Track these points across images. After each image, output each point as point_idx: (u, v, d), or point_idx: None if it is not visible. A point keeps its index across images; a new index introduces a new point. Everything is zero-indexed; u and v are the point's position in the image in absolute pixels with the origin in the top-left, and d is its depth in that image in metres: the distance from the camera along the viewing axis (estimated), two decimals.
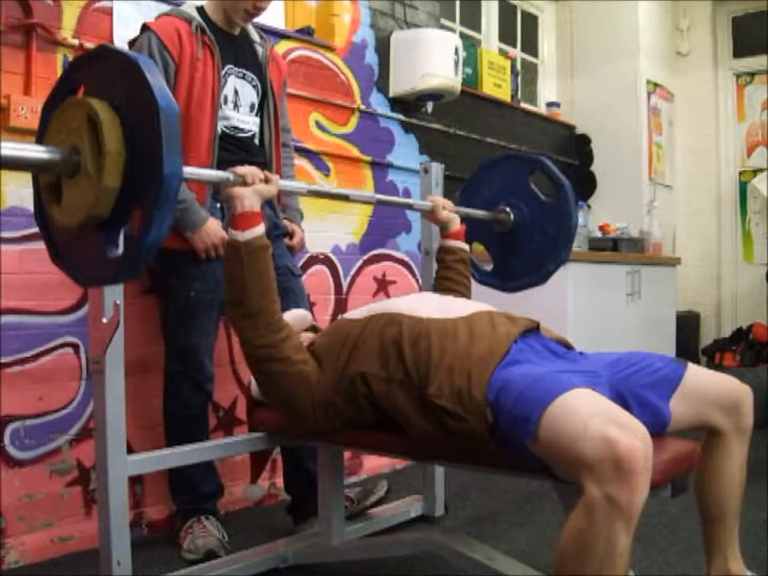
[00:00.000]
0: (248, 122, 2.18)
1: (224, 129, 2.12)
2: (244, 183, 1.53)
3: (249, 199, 1.52)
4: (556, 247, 2.12)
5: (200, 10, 2.13)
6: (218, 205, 2.12)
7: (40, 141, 1.23)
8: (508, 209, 2.19)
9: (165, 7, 2.38)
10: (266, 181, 1.57)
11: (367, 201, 2.17)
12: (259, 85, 2.21)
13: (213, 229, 2.06)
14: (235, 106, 2.15)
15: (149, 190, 1.09)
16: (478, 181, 2.29)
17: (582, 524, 1.16)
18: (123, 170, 1.11)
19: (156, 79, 1.11)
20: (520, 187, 2.19)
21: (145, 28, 2.05)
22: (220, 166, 2.08)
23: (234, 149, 2.13)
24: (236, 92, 2.15)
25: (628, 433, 1.14)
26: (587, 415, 1.19)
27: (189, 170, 1.45)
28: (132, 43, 2.09)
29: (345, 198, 1.95)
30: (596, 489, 1.13)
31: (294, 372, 1.55)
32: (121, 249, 1.16)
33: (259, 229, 1.52)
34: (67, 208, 1.17)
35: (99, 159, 1.11)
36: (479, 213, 2.19)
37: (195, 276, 2.10)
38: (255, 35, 2.26)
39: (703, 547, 1.62)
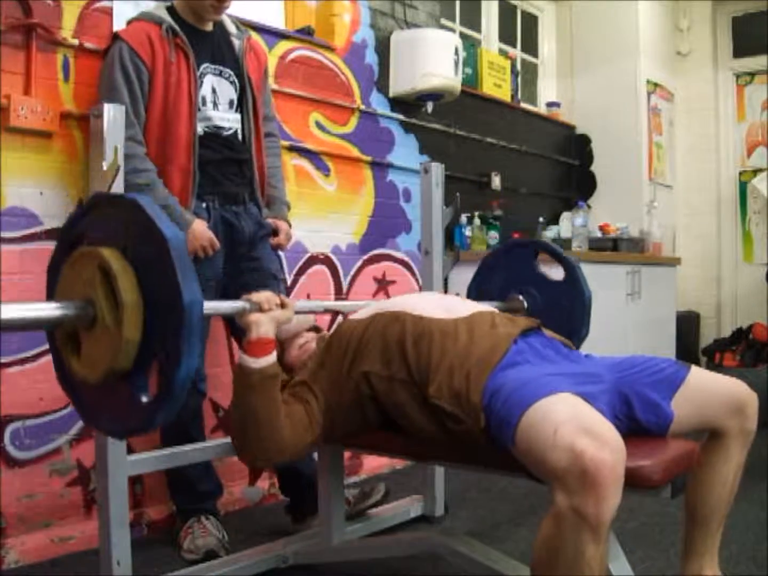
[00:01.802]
0: (229, 119, 2.17)
1: (206, 129, 2.11)
2: (260, 309, 1.49)
3: (265, 326, 1.48)
4: (574, 324, 2.07)
5: (171, 9, 2.10)
6: (203, 205, 2.11)
7: (51, 296, 1.22)
8: (520, 297, 2.17)
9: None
10: (282, 305, 1.53)
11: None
12: (237, 81, 2.19)
13: (200, 230, 2.04)
14: (215, 104, 2.13)
15: (172, 325, 1.06)
16: (485, 272, 2.27)
17: (552, 532, 1.16)
18: (143, 319, 1.09)
19: (156, 212, 1.10)
20: (529, 273, 2.18)
21: (116, 37, 2.03)
22: (204, 165, 2.09)
23: (218, 147, 2.12)
24: (214, 91, 2.13)
25: (596, 443, 1.13)
26: (558, 422, 1.18)
27: (207, 305, 1.33)
28: (105, 53, 2.08)
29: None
30: (564, 499, 1.13)
31: (300, 451, 1.54)
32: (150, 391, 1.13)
33: (272, 357, 1.48)
34: (88, 361, 1.15)
35: (116, 311, 1.09)
36: (492, 304, 2.16)
37: None
38: (232, 27, 2.23)
39: (681, 545, 1.61)
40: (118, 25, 2.28)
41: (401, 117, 3.38)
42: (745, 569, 1.98)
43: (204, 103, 2.10)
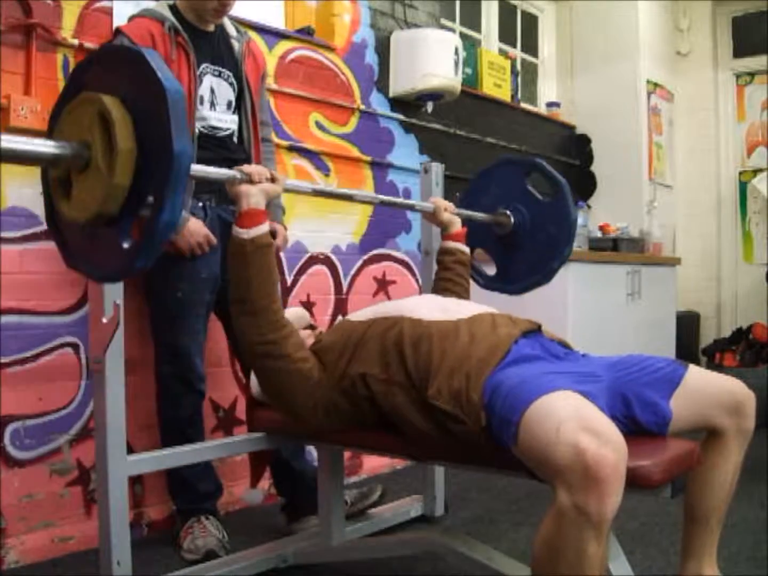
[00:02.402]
0: (226, 120, 2.17)
1: (202, 129, 2.11)
2: (250, 181, 1.53)
3: (255, 197, 1.53)
4: (558, 244, 2.14)
5: (173, 8, 2.11)
6: (200, 204, 2.11)
7: (50, 136, 1.23)
8: (507, 212, 2.20)
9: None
10: (272, 180, 1.57)
11: (369, 201, 2.18)
12: (236, 83, 2.19)
13: (195, 227, 2.05)
14: (212, 105, 2.14)
15: (161, 171, 1.10)
16: (476, 188, 2.31)
17: (552, 530, 1.16)
18: (134, 167, 1.12)
19: (160, 64, 1.13)
20: (518, 190, 2.21)
21: (117, 32, 2.04)
22: (200, 164, 2.08)
23: (214, 148, 2.12)
24: (212, 91, 2.14)
25: (599, 441, 1.13)
26: (560, 419, 1.18)
27: (196, 167, 1.46)
28: None
29: (349, 198, 1.95)
30: (566, 496, 1.13)
31: (294, 369, 1.55)
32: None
33: (264, 227, 1.53)
34: (77, 204, 1.18)
35: (110, 156, 1.12)
36: (480, 215, 2.20)
37: (181, 276, 2.09)
38: (232, 30, 2.24)
39: (680, 545, 1.61)
40: (118, 25, 2.27)
41: (401, 117, 3.38)
42: (745, 569, 1.98)
43: (201, 102, 2.10)
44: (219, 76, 2.15)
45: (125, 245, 1.15)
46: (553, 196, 2.17)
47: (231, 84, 2.18)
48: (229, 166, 2.16)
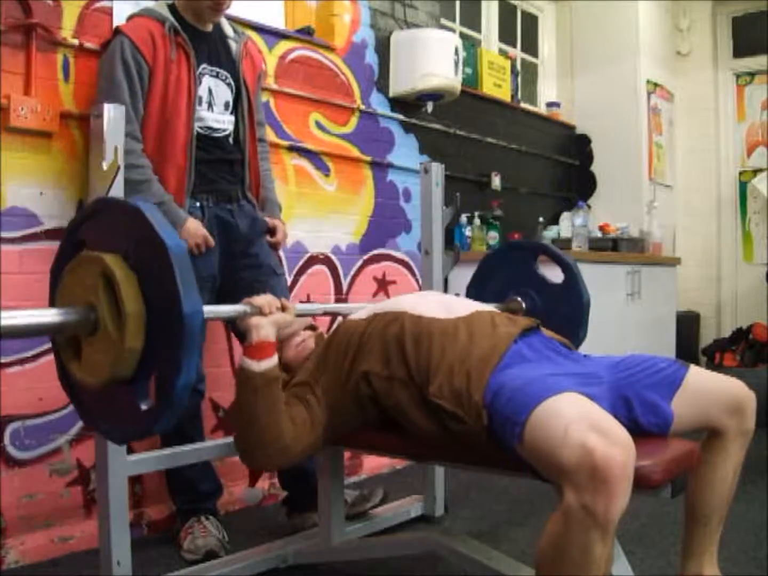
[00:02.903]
0: (223, 121, 2.17)
1: (199, 130, 2.10)
2: (261, 313, 1.49)
3: (266, 329, 1.49)
4: (572, 327, 2.07)
5: (172, 8, 2.11)
6: (197, 204, 2.11)
7: (53, 300, 1.22)
8: (518, 299, 2.17)
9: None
10: (283, 308, 1.54)
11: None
12: (233, 83, 2.19)
13: (193, 227, 2.04)
14: (210, 106, 2.13)
15: (173, 336, 1.06)
16: (485, 273, 2.27)
17: (559, 530, 1.16)
18: (145, 328, 1.09)
19: (159, 220, 1.10)
20: (527, 275, 2.18)
21: (117, 31, 2.03)
22: (198, 165, 2.09)
23: (210, 149, 2.12)
24: (210, 92, 2.13)
25: (607, 441, 1.13)
26: (568, 420, 1.18)
27: (207, 309, 1.37)
28: (105, 46, 2.08)
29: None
30: (573, 496, 1.13)
31: (305, 453, 1.56)
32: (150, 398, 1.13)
33: (274, 360, 1.49)
34: (89, 367, 1.15)
35: (119, 318, 1.08)
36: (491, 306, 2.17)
37: None
38: (229, 30, 2.23)
39: (680, 545, 1.61)
40: (118, 24, 2.27)
41: (401, 117, 3.38)
42: (745, 569, 1.98)
43: (200, 103, 2.10)
44: (216, 76, 2.15)
45: (143, 407, 1.12)
46: (564, 278, 2.14)
47: (228, 85, 2.18)
48: (225, 166, 2.18)
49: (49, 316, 1.13)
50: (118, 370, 1.10)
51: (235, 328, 2.17)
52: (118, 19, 2.27)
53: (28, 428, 2.11)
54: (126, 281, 1.09)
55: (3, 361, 2.06)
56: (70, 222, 1.30)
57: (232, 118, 2.19)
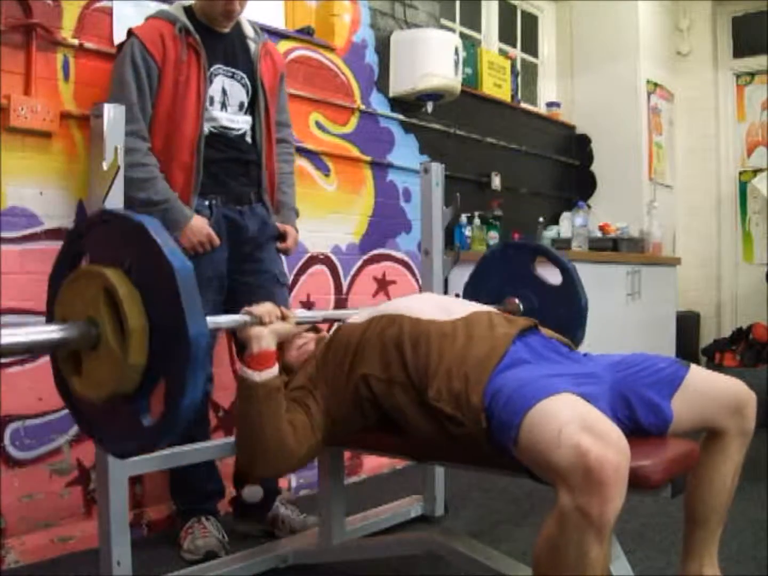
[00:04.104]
0: (238, 121, 2.16)
1: (212, 130, 2.11)
2: (261, 323, 1.49)
3: (266, 339, 1.48)
4: (570, 329, 2.04)
5: (188, 9, 2.12)
6: (206, 203, 2.10)
7: (50, 312, 1.19)
8: (516, 300, 2.16)
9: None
10: (283, 318, 1.53)
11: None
12: (249, 84, 2.19)
13: (198, 225, 2.04)
14: (223, 106, 2.13)
15: (178, 356, 1.05)
16: (482, 273, 2.27)
17: (554, 532, 1.16)
18: (148, 345, 1.08)
19: (164, 238, 1.08)
20: (525, 276, 2.17)
21: (130, 33, 2.05)
22: (209, 165, 2.08)
23: (224, 148, 2.12)
24: (224, 92, 2.13)
25: (601, 443, 1.13)
26: (563, 422, 1.18)
27: (207, 320, 1.32)
28: (119, 48, 2.09)
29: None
30: (568, 498, 1.13)
31: (306, 459, 1.56)
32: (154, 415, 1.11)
33: (275, 370, 1.48)
34: (90, 382, 1.13)
35: (121, 334, 1.07)
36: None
37: None
38: (249, 31, 2.23)
39: (681, 546, 1.61)
40: (118, 24, 2.28)
41: (401, 117, 3.38)
42: (745, 569, 1.98)
43: (212, 103, 2.10)
44: (232, 77, 2.15)
45: (146, 423, 1.10)
46: (562, 280, 2.14)
47: (244, 85, 2.18)
48: (240, 166, 2.18)
49: (51, 332, 1.10)
50: (120, 386, 1.09)
51: (236, 337, 2.17)
52: (118, 19, 2.28)
53: (28, 428, 2.11)
54: (129, 296, 1.07)
55: (3, 361, 2.06)
56: (69, 232, 1.28)
57: (248, 118, 2.19)
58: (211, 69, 2.10)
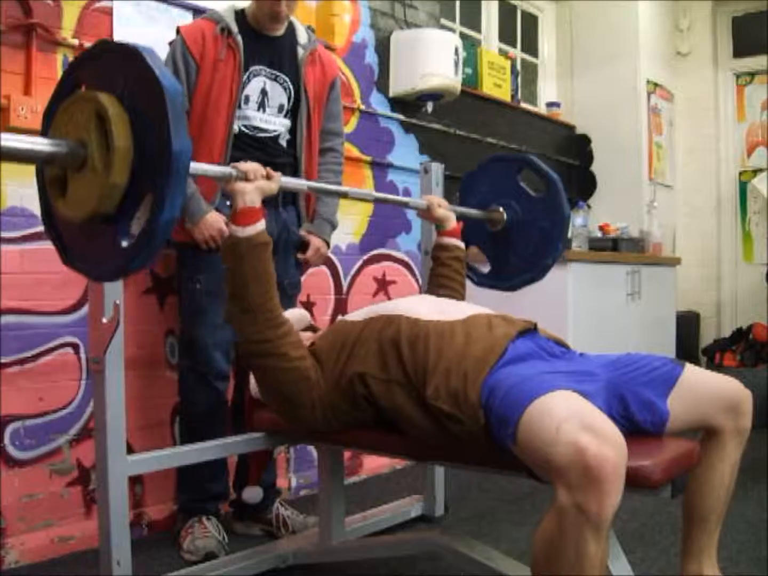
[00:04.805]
0: (274, 123, 2.18)
1: (242, 128, 2.13)
2: (246, 179, 1.55)
3: (250, 194, 1.54)
4: (551, 240, 2.14)
5: (239, 12, 2.17)
6: (227, 202, 2.10)
7: (44, 134, 1.23)
8: (501, 209, 2.21)
9: (164, 7, 2.40)
10: (268, 177, 1.59)
11: (364, 198, 2.19)
12: (292, 88, 2.20)
13: (212, 220, 2.06)
14: (261, 106, 2.15)
15: (160, 170, 1.09)
16: (469, 186, 2.31)
17: (552, 529, 1.16)
18: (131, 166, 1.12)
19: (157, 62, 1.12)
20: (510, 187, 2.22)
21: (177, 31, 2.13)
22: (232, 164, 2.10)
23: (249, 149, 2.12)
24: (264, 93, 2.16)
25: (599, 440, 1.13)
26: (561, 418, 1.18)
27: (195, 166, 1.46)
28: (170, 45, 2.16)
29: (344, 195, 1.96)
30: (566, 495, 1.13)
31: (291, 368, 1.56)
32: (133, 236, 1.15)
33: (260, 225, 1.54)
34: (73, 202, 1.17)
35: (107, 155, 1.11)
36: (473, 212, 2.21)
37: (200, 268, 2.11)
38: (302, 37, 2.25)
39: (680, 546, 1.61)
40: (118, 24, 2.29)
41: (401, 117, 3.38)
42: (745, 569, 1.98)
43: (247, 102, 2.13)
44: (275, 79, 2.18)
45: (124, 244, 1.14)
46: (546, 191, 2.17)
47: (286, 89, 2.19)
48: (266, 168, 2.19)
49: (41, 144, 1.14)
50: (102, 206, 1.12)
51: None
52: (118, 19, 2.28)
53: (28, 428, 2.11)
54: (118, 118, 1.11)
55: (3, 361, 2.06)
56: (70, 62, 1.31)
57: (287, 121, 2.20)
58: (251, 69, 2.12)
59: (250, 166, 1.57)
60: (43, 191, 1.28)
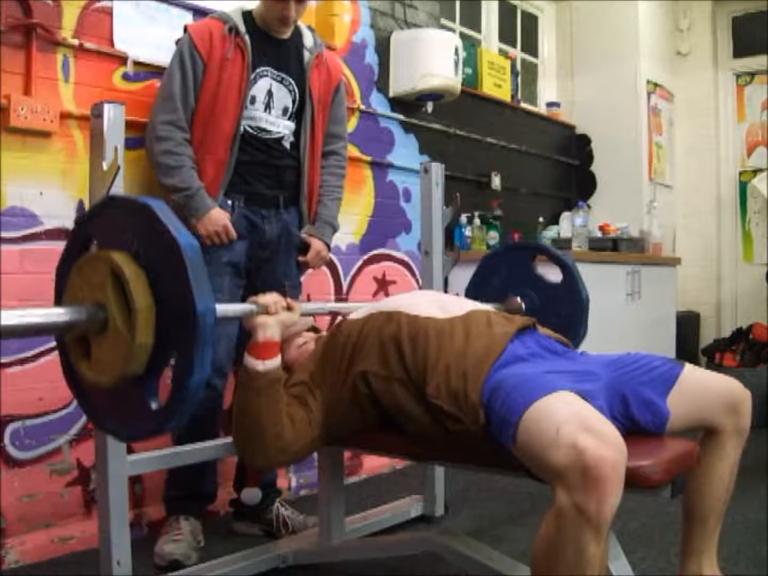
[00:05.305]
0: (278, 125, 2.18)
1: (247, 128, 2.13)
2: (266, 312, 1.49)
3: (271, 328, 1.48)
4: (573, 325, 2.08)
5: (247, 14, 2.17)
6: (229, 202, 2.13)
7: (58, 299, 1.20)
8: (518, 299, 2.17)
9: (164, 7, 2.40)
10: (289, 308, 1.53)
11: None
12: (297, 91, 2.21)
13: (216, 216, 2.07)
14: (267, 107, 2.16)
15: (185, 334, 1.05)
16: (484, 273, 2.28)
17: (552, 530, 1.16)
18: (155, 324, 1.08)
19: (170, 218, 1.08)
20: (526, 275, 2.19)
21: (185, 30, 2.14)
22: (237, 166, 2.12)
23: (251, 150, 2.14)
24: (270, 94, 2.17)
25: (598, 441, 1.13)
26: (561, 420, 1.18)
27: (218, 308, 1.30)
28: (177, 44, 2.17)
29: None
30: (565, 496, 1.13)
31: (301, 454, 1.57)
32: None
33: (278, 360, 1.48)
34: (99, 366, 1.13)
35: (128, 315, 1.08)
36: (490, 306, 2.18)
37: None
38: (308, 41, 2.26)
39: (680, 546, 1.61)
40: (118, 24, 2.29)
41: (401, 117, 3.38)
42: (745, 569, 1.98)
43: (253, 102, 2.13)
44: (280, 81, 2.19)
45: (154, 406, 1.11)
46: (563, 277, 2.14)
47: (291, 91, 2.20)
48: (268, 169, 2.18)
49: (58, 315, 1.11)
50: (129, 367, 1.09)
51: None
52: (118, 19, 2.28)
53: (28, 428, 2.11)
54: (135, 277, 1.08)
55: (3, 361, 2.06)
56: (77, 219, 1.29)
57: (291, 124, 2.21)
58: (258, 70, 2.13)
59: (270, 299, 1.50)
60: (63, 357, 1.24)
